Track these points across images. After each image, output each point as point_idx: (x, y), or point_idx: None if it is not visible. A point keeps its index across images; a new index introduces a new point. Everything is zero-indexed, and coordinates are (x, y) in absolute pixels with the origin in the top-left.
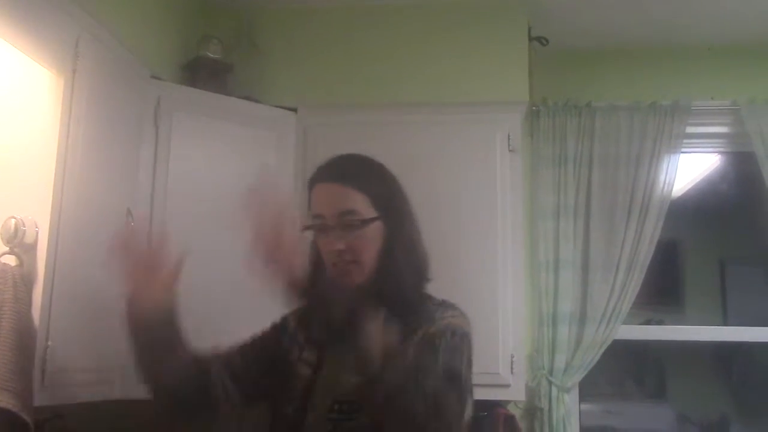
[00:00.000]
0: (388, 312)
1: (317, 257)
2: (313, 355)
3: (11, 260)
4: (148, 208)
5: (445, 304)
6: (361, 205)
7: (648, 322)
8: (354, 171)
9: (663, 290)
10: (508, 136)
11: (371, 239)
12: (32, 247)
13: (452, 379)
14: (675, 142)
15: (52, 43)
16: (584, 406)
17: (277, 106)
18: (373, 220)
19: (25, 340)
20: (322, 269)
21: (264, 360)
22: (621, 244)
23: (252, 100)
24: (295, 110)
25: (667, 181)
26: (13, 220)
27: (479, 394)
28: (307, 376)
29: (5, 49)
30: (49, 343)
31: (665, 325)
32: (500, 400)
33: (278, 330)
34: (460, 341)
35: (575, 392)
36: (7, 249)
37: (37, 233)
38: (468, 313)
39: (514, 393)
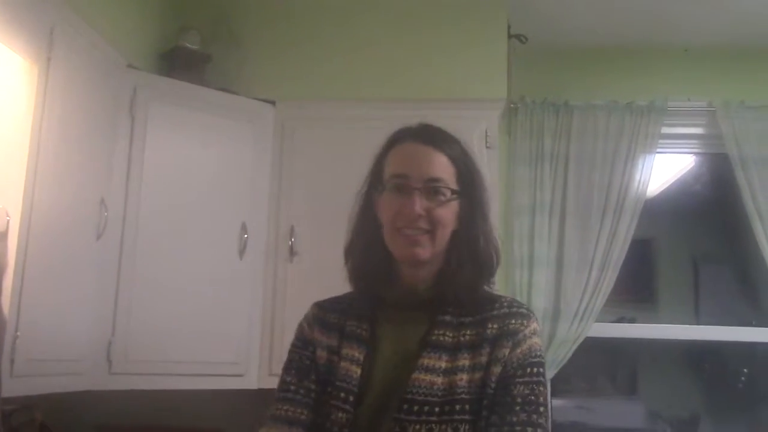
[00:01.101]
0: (446, 303)
1: (370, 224)
2: (357, 351)
3: None
4: (122, 198)
5: (515, 307)
6: (449, 175)
7: (621, 320)
8: (444, 138)
9: (636, 288)
10: (486, 132)
11: (451, 214)
12: (3, 236)
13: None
14: (651, 142)
15: (27, 31)
16: (556, 402)
17: (255, 99)
18: (459, 193)
19: None
20: (379, 240)
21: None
22: (595, 242)
23: (230, 92)
24: (273, 103)
25: (642, 181)
26: None
27: None
28: (356, 374)
29: None
30: (19, 333)
31: (638, 323)
32: None
33: (302, 346)
34: (543, 373)
35: (548, 388)
36: None
37: (8, 222)
38: None
39: None
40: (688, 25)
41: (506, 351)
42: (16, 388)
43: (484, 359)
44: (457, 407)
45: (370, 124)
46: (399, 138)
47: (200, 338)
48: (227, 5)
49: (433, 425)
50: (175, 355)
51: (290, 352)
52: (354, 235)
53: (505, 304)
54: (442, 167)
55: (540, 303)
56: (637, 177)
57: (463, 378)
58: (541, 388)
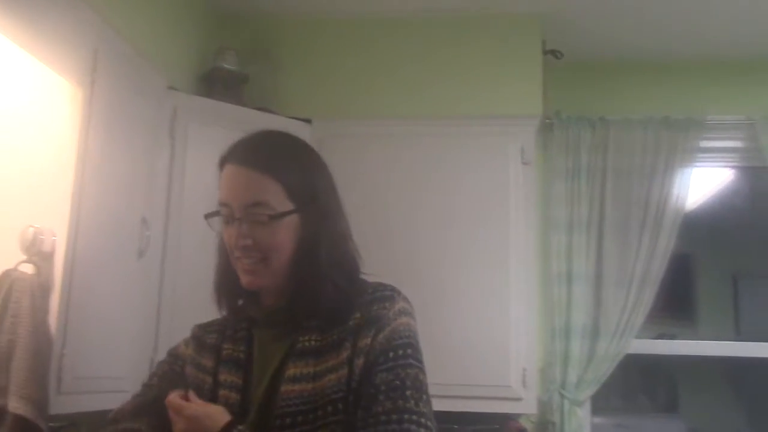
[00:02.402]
0: (308, 317)
1: (224, 247)
2: (234, 376)
3: (29, 269)
4: (163, 217)
5: (379, 291)
6: (274, 196)
7: (660, 337)
8: (269, 153)
9: (675, 304)
10: (522, 149)
11: (283, 236)
12: (49, 256)
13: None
14: (689, 156)
15: (72, 54)
16: (596, 420)
17: (291, 117)
18: (285, 214)
19: (41, 347)
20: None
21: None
22: (634, 258)
23: (267, 111)
24: (309, 121)
25: (680, 195)
26: (31, 229)
27: (490, 407)
28: (236, 401)
29: (27, 60)
30: (65, 351)
31: (678, 339)
32: (512, 414)
33: (171, 360)
34: (412, 354)
35: (587, 406)
36: (25, 258)
37: (54, 242)
38: (479, 325)
39: (525, 406)
40: (724, 38)
41: (368, 340)
42: (63, 405)
43: (347, 353)
44: (329, 409)
45: (405, 141)
46: (225, 159)
47: None
48: (264, 26)
49: None
50: None
51: (156, 366)
52: (216, 258)
53: (370, 290)
54: (262, 189)
55: (579, 320)
56: (676, 191)
57: (331, 378)
58: (409, 371)
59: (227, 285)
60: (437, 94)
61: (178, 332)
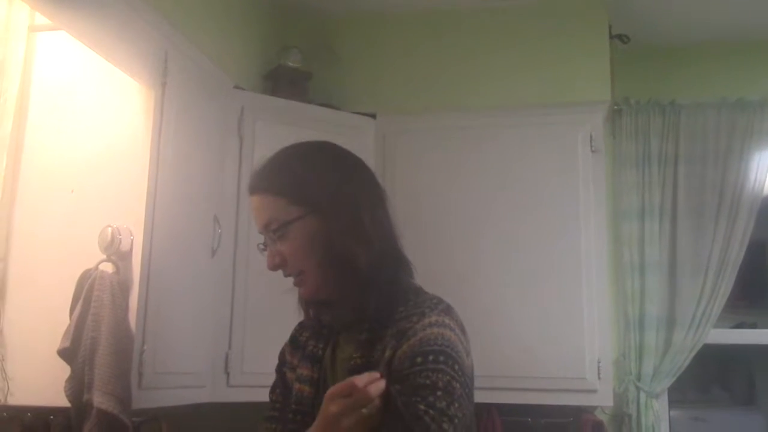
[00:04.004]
0: (354, 320)
1: None
2: (309, 370)
3: (108, 267)
4: (234, 214)
5: (413, 308)
6: (278, 210)
7: (740, 326)
8: (267, 173)
9: (755, 292)
10: (591, 136)
11: (299, 242)
12: (128, 255)
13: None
14: (765, 138)
15: (144, 58)
16: (672, 413)
17: (356, 113)
18: (291, 221)
19: (123, 344)
20: None
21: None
22: (710, 245)
23: (331, 107)
24: (373, 116)
25: (757, 179)
26: (109, 229)
27: (565, 400)
28: (309, 394)
29: (102, 64)
30: (145, 347)
31: (758, 328)
32: (586, 406)
33: (278, 366)
34: (446, 361)
35: (664, 398)
36: (104, 257)
37: (131, 241)
38: (552, 317)
39: (601, 398)
40: None
41: (391, 352)
42: (144, 400)
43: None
44: None
45: (471, 133)
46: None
47: None
48: (326, 23)
49: None
50: None
51: (275, 371)
52: None
53: (410, 304)
54: (269, 208)
55: (654, 310)
56: (753, 175)
57: None
58: (441, 375)
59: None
60: (502, 84)
61: (251, 328)
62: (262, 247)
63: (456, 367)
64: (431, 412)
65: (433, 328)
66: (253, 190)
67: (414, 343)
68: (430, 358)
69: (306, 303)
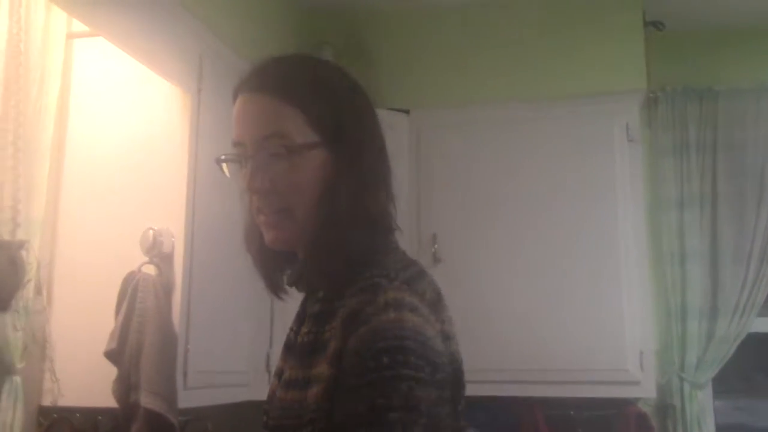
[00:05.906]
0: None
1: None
2: (282, 360)
3: (151, 270)
4: None
5: (371, 278)
6: (293, 124)
7: None
8: (286, 75)
9: None
10: (627, 126)
11: (306, 175)
12: (169, 257)
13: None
14: None
15: (180, 62)
16: (716, 403)
17: (389, 109)
18: (307, 146)
19: (167, 345)
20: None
21: None
22: (752, 233)
23: None
24: (407, 112)
25: None
26: (151, 232)
27: (608, 392)
28: (274, 387)
29: (140, 70)
30: (189, 347)
31: None
32: (630, 398)
33: None
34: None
35: (709, 389)
36: (146, 259)
37: (173, 243)
38: (592, 308)
39: (644, 390)
40: None
41: (339, 343)
42: (189, 400)
43: (323, 369)
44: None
45: (504, 126)
46: (237, 90)
47: None
48: (358, 19)
49: None
50: None
51: None
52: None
53: (367, 274)
54: (279, 117)
55: (696, 299)
56: None
57: (313, 391)
58: (397, 386)
59: (253, 248)
60: (535, 75)
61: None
62: (231, 158)
63: (420, 363)
64: None
65: (389, 312)
66: (258, 88)
67: (365, 336)
68: (385, 360)
69: (266, 258)
